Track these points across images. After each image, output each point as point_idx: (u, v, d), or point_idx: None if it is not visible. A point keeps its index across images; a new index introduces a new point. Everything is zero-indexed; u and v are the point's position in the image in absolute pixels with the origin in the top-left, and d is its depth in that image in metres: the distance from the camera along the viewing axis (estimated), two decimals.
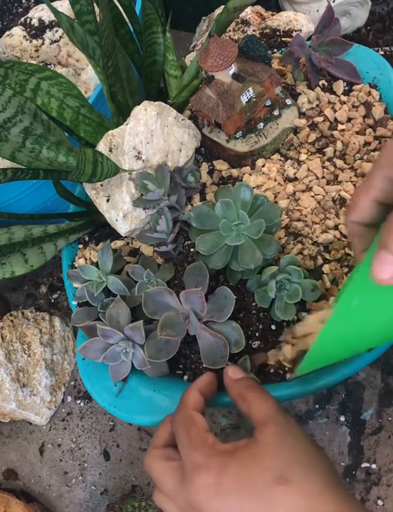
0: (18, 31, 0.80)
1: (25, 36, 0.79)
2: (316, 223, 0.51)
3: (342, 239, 0.50)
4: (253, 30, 0.76)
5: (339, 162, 0.54)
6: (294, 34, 0.73)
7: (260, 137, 0.56)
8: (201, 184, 0.57)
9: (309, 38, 0.69)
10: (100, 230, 0.61)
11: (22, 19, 0.82)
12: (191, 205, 0.56)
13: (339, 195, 0.52)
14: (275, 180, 0.55)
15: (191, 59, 0.67)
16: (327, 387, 0.68)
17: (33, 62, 0.79)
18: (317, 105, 0.58)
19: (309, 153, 0.56)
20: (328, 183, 0.54)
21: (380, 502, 0.65)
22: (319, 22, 0.58)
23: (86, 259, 0.59)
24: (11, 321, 0.77)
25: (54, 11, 0.48)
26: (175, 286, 0.52)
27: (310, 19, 0.77)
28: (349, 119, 0.57)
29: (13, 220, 0.57)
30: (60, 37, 0.79)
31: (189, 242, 0.54)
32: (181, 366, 0.50)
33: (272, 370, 0.46)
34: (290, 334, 0.46)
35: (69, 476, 0.73)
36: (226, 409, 0.69)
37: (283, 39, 0.74)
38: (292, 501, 0.31)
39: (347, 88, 0.59)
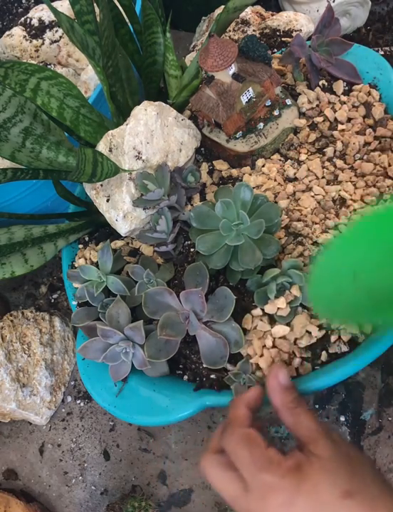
0: (18, 31, 0.80)
1: (25, 36, 0.79)
2: (316, 223, 0.51)
3: None
4: (253, 30, 0.76)
5: (339, 162, 0.54)
6: (294, 34, 0.73)
7: (260, 137, 0.56)
8: (201, 184, 0.57)
9: (309, 38, 0.69)
10: (100, 230, 0.61)
11: (22, 19, 0.82)
12: (191, 205, 0.56)
13: (339, 195, 0.52)
14: (275, 180, 0.55)
15: (191, 59, 0.67)
16: (327, 387, 0.68)
17: (33, 62, 0.79)
18: (317, 105, 0.58)
19: (309, 153, 0.56)
20: (328, 183, 0.54)
21: None
22: (319, 22, 0.58)
23: (86, 259, 0.59)
24: (11, 321, 0.77)
25: (54, 11, 0.48)
26: (175, 286, 0.52)
27: (310, 19, 0.77)
28: (349, 119, 0.57)
29: (13, 220, 0.57)
30: (60, 37, 0.79)
31: (189, 242, 0.54)
32: (181, 366, 0.50)
33: None
34: None
35: (69, 476, 0.73)
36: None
37: (283, 39, 0.74)
38: None
39: (347, 88, 0.59)
